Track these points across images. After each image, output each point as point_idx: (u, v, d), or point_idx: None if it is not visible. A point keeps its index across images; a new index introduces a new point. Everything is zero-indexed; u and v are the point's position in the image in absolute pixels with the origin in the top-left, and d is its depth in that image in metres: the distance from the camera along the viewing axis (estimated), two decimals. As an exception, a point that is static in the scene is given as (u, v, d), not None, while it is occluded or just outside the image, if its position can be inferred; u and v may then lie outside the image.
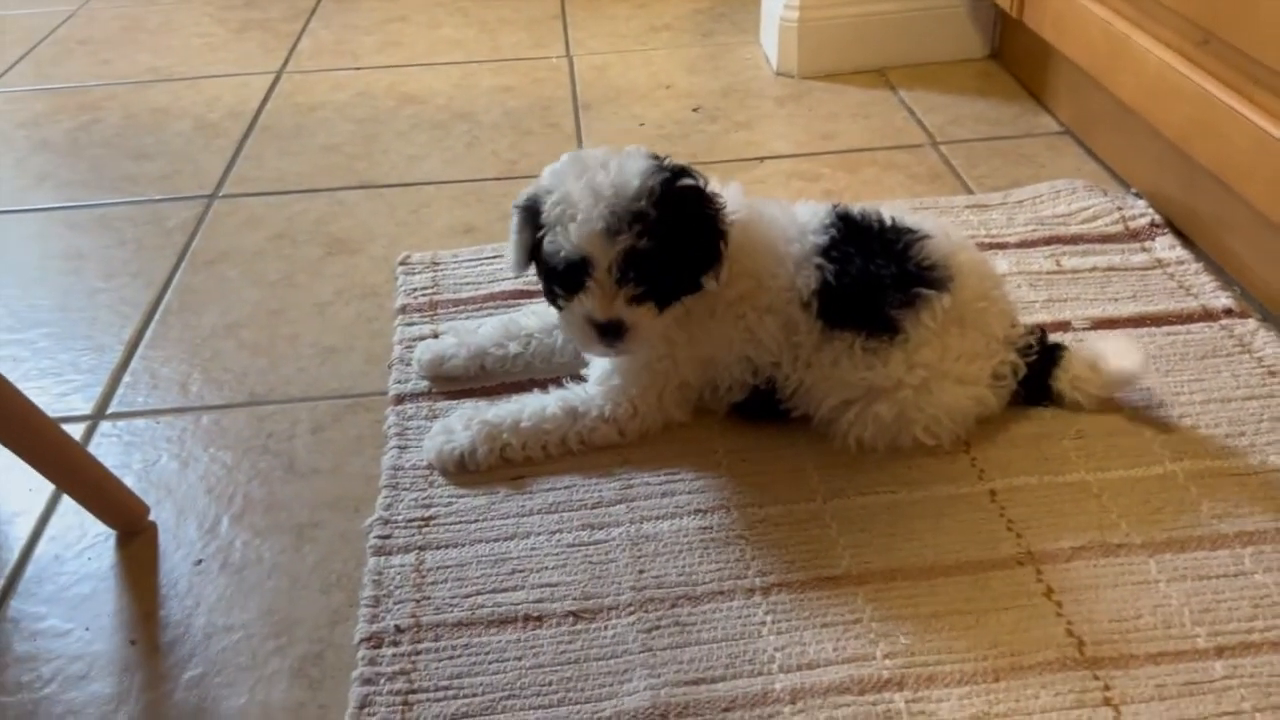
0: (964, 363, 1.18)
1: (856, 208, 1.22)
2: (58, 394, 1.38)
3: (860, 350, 1.15)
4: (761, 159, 1.87)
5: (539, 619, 1.03)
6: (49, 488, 1.21)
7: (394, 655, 1.00)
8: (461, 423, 1.22)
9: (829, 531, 1.11)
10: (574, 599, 1.05)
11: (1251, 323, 1.37)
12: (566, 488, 1.18)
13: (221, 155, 1.96)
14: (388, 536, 1.13)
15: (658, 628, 1.01)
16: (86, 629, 1.07)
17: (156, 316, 1.52)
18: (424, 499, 1.17)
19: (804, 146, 1.91)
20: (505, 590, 1.06)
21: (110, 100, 2.20)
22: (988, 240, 1.55)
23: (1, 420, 1.08)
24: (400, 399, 1.32)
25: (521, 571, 1.08)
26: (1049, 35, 1.85)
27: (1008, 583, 1.04)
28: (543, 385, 1.28)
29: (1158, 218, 1.58)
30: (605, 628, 1.02)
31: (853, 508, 1.14)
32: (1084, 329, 1.37)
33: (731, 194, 1.20)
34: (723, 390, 1.23)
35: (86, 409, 1.35)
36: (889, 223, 1.20)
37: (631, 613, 1.03)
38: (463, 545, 1.12)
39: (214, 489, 1.22)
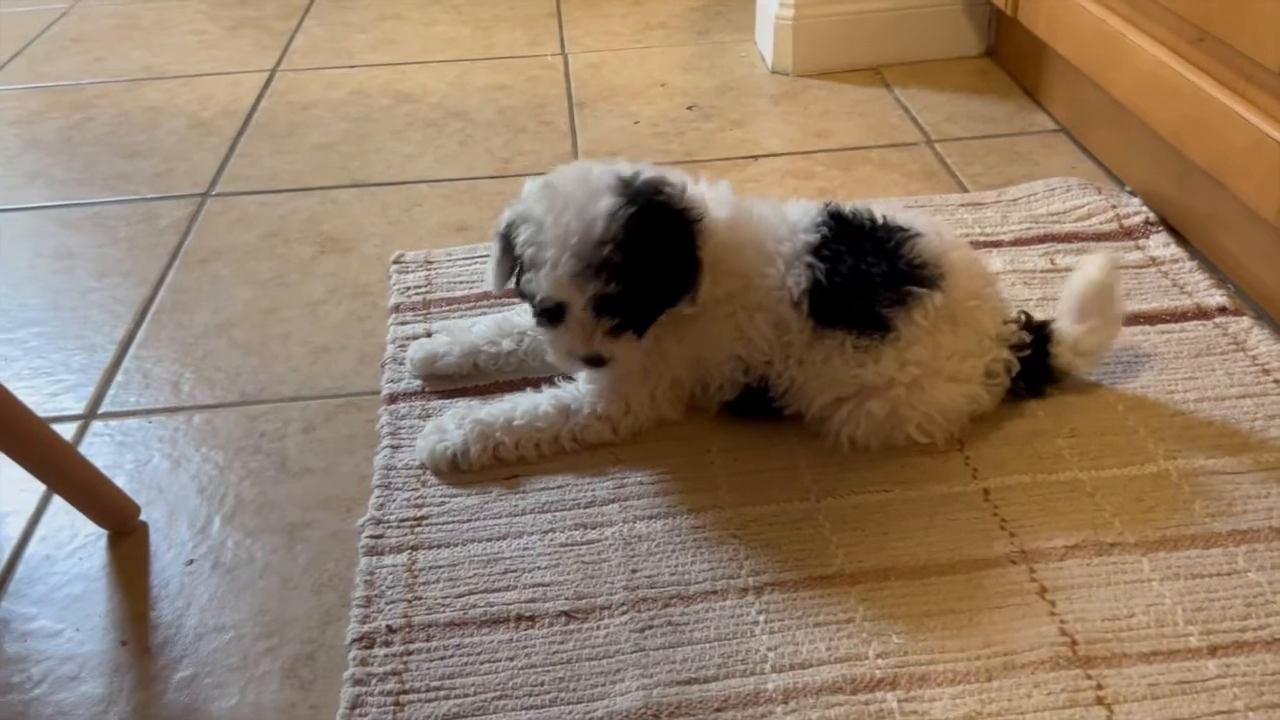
0: (956, 360, 1.18)
1: (848, 206, 1.22)
2: (49, 394, 1.37)
3: (852, 348, 1.15)
4: (756, 157, 1.87)
5: (531, 619, 1.03)
6: (40, 488, 1.21)
7: (386, 655, 1.00)
8: (454, 422, 1.22)
9: (822, 530, 1.11)
10: (566, 599, 1.05)
11: (1246, 320, 1.37)
12: (559, 487, 1.18)
13: (215, 154, 1.96)
14: (380, 536, 1.13)
15: (650, 627, 1.01)
16: (77, 629, 1.06)
17: (149, 316, 1.52)
18: (416, 498, 1.17)
19: (799, 145, 1.91)
20: (498, 590, 1.06)
21: (103, 98, 2.19)
22: (982, 238, 1.55)
23: (-8, 420, 1.07)
24: (393, 398, 1.31)
25: (514, 571, 1.08)
26: (1043, 33, 1.85)
27: (1001, 582, 1.04)
28: (536, 384, 1.28)
29: (1152, 215, 1.58)
30: (598, 627, 1.02)
31: (846, 507, 1.13)
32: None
33: (721, 193, 1.20)
34: (715, 389, 1.23)
35: (78, 409, 1.35)
36: (880, 221, 1.19)
37: (624, 612, 1.03)
38: (455, 545, 1.11)
39: (205, 489, 1.22)
